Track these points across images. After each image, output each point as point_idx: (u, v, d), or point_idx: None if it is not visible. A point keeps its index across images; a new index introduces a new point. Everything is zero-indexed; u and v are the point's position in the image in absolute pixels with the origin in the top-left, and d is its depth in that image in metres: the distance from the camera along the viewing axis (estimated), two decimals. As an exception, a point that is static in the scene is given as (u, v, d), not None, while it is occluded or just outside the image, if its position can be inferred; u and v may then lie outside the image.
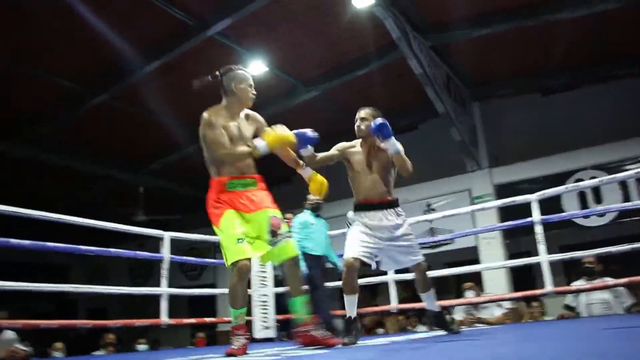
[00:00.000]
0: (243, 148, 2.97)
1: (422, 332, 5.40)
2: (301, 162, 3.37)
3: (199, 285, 11.09)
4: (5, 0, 5.73)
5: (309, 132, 3.31)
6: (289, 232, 3.07)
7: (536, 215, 4.90)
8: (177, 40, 6.64)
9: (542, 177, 8.16)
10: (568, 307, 5.45)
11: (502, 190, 8.32)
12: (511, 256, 7.78)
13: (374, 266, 3.60)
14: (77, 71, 7.22)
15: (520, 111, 8.87)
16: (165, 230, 5.70)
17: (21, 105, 7.87)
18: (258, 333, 6.18)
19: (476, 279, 6.77)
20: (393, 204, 3.54)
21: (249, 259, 2.87)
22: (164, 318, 5.34)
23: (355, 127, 3.60)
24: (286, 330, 6.20)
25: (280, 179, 9.67)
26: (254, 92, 3.15)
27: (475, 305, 6.25)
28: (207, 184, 2.99)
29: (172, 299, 5.65)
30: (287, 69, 7.67)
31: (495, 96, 9.04)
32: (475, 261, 7.80)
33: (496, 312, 6.14)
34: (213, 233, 3.04)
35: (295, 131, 3.16)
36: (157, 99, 7.63)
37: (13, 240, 4.19)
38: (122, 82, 7.30)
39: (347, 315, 3.44)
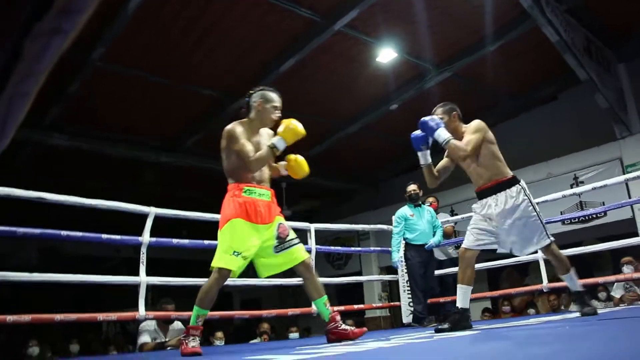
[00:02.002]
0: (263, 150, 3.12)
1: (574, 313, 5.22)
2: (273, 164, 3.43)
3: (346, 274, 11.33)
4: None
5: (430, 120, 3.51)
6: (296, 238, 3.27)
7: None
8: (307, 37, 6.83)
9: None
10: None
11: (658, 156, 7.61)
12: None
13: (500, 250, 3.65)
14: (218, 80, 7.72)
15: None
16: (309, 222, 6.01)
17: (178, 117, 8.56)
18: (405, 319, 6.26)
19: (635, 253, 6.34)
20: (500, 187, 3.49)
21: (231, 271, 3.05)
22: (315, 307, 5.63)
23: None
24: (434, 315, 6.19)
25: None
26: (279, 115, 3.29)
27: (636, 281, 5.91)
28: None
29: (321, 287, 5.91)
30: (417, 53, 7.59)
31: (642, 55, 8.30)
32: (633, 234, 7.25)
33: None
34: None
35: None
36: (294, 96, 7.96)
37: (174, 240, 4.91)
38: (260, 84, 7.66)
39: (457, 306, 3.52)
